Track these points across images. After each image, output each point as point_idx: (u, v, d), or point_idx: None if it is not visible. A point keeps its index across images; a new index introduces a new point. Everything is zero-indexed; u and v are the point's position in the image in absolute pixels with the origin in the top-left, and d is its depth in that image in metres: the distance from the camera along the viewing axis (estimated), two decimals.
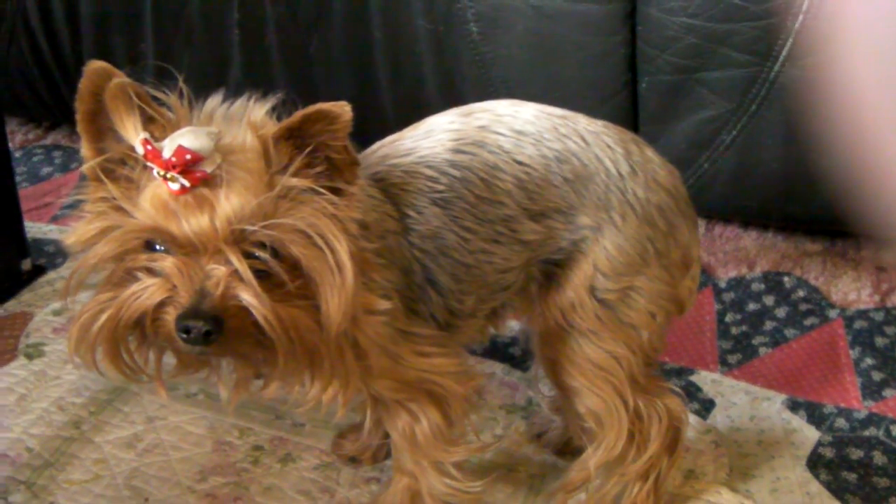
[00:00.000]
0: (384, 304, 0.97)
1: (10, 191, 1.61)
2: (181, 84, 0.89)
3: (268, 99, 0.91)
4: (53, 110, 2.07)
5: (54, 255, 1.69)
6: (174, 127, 0.87)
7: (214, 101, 0.91)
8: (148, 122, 0.87)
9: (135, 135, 0.86)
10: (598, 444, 1.13)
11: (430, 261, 1.03)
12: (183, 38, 1.83)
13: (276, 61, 1.78)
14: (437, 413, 1.06)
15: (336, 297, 0.89)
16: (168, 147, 0.85)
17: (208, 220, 0.85)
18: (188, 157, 0.84)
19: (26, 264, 1.64)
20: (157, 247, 0.88)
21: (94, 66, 0.86)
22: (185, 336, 0.85)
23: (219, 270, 0.86)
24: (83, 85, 0.87)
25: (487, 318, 1.11)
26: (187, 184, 0.85)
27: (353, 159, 0.89)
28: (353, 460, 1.28)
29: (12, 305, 1.57)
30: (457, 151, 1.03)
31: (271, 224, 0.86)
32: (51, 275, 1.64)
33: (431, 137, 1.05)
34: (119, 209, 0.89)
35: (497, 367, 1.43)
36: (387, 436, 1.21)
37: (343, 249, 0.89)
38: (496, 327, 1.15)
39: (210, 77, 1.83)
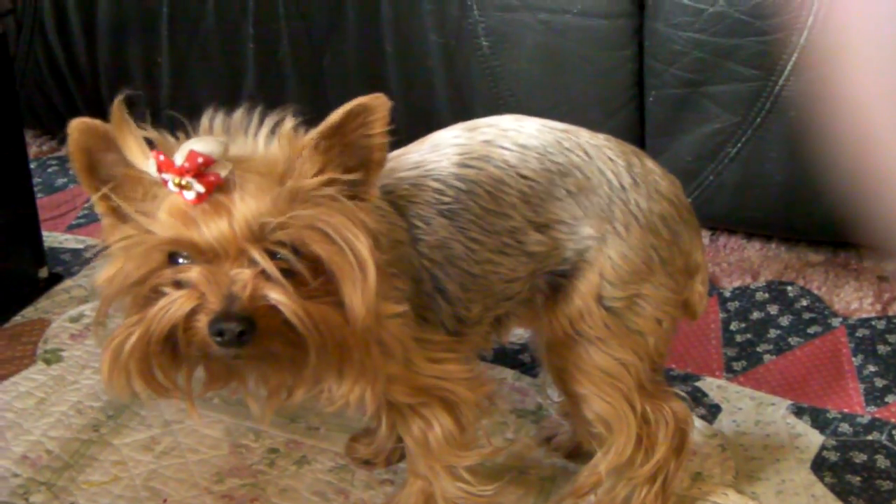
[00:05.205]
0: (399, 308, 0.99)
1: (28, 200, 1.64)
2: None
3: (281, 112, 0.94)
4: (68, 122, 2.08)
5: (70, 263, 1.72)
6: (176, 146, 0.90)
7: (210, 116, 0.94)
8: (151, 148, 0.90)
9: (143, 156, 0.88)
10: (607, 449, 1.15)
11: (439, 270, 1.05)
12: (198, 50, 1.85)
13: (289, 75, 1.81)
14: (449, 419, 1.08)
15: (359, 293, 0.91)
16: (179, 154, 0.87)
17: (227, 223, 0.87)
18: (200, 160, 0.86)
19: (43, 272, 1.67)
20: (180, 260, 0.90)
21: (77, 123, 0.90)
22: (219, 339, 0.87)
23: (244, 273, 0.88)
24: (72, 144, 0.90)
25: (492, 325, 1.12)
26: (202, 189, 0.87)
27: (382, 158, 0.94)
28: (367, 463, 1.30)
29: (30, 312, 1.60)
30: (463, 165, 1.06)
31: (288, 221, 0.88)
32: (67, 283, 1.66)
33: (437, 151, 1.07)
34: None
35: (507, 373, 1.45)
36: (400, 439, 1.24)
37: (363, 246, 0.91)
38: (499, 336, 1.16)
39: (224, 89, 1.86)
